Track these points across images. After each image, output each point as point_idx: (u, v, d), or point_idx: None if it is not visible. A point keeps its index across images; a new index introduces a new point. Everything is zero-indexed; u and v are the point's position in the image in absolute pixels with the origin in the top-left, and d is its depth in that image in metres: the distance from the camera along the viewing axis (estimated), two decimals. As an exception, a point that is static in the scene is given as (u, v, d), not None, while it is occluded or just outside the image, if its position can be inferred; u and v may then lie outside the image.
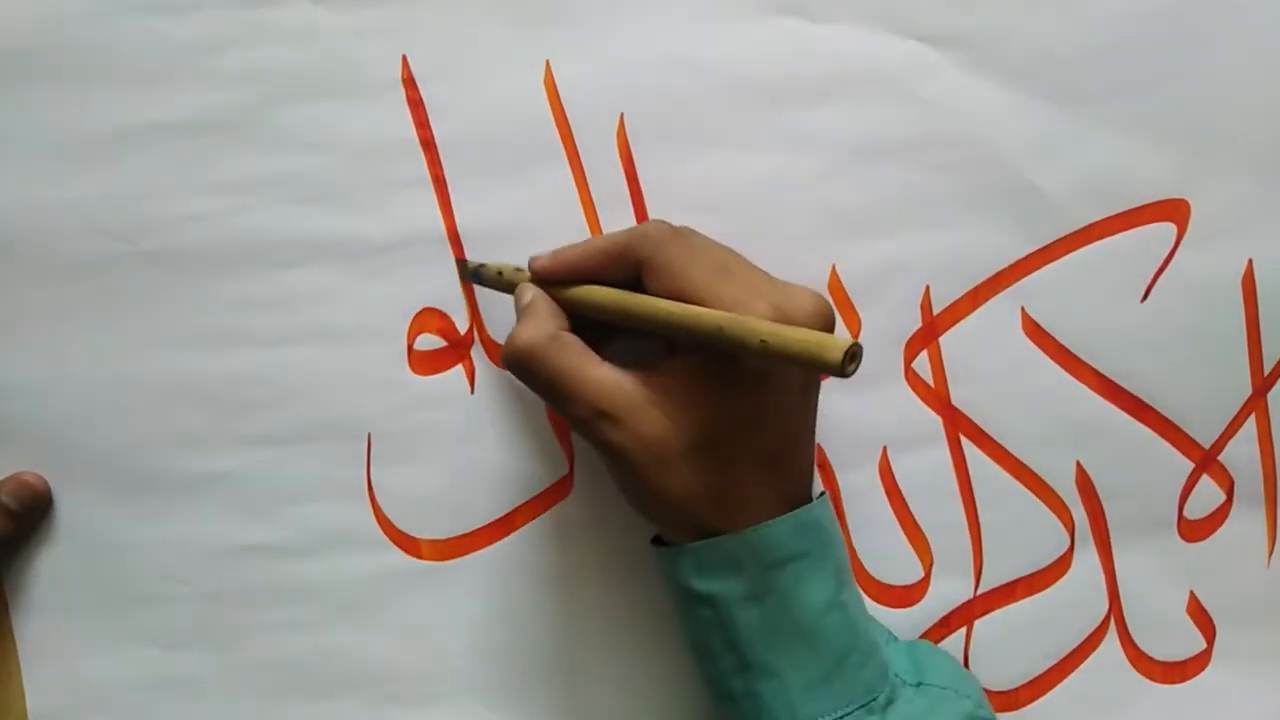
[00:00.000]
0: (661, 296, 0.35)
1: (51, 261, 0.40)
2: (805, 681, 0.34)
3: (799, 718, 0.34)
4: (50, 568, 0.41)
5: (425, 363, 0.41)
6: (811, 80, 0.40)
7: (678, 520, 0.36)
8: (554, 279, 0.37)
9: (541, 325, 0.36)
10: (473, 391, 0.41)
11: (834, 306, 0.36)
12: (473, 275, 0.40)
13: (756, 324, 0.32)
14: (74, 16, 0.39)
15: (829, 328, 0.34)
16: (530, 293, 0.37)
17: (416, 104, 0.40)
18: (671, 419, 0.34)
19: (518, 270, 0.39)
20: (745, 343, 0.32)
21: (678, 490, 0.35)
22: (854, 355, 0.30)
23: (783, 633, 0.35)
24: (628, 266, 0.36)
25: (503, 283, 0.39)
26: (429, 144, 0.40)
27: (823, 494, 0.37)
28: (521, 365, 0.36)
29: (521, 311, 0.37)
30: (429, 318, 0.41)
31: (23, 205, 0.40)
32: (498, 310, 0.41)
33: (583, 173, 0.40)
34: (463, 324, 0.41)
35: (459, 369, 0.41)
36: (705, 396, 0.34)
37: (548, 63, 0.40)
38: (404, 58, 0.40)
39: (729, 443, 0.35)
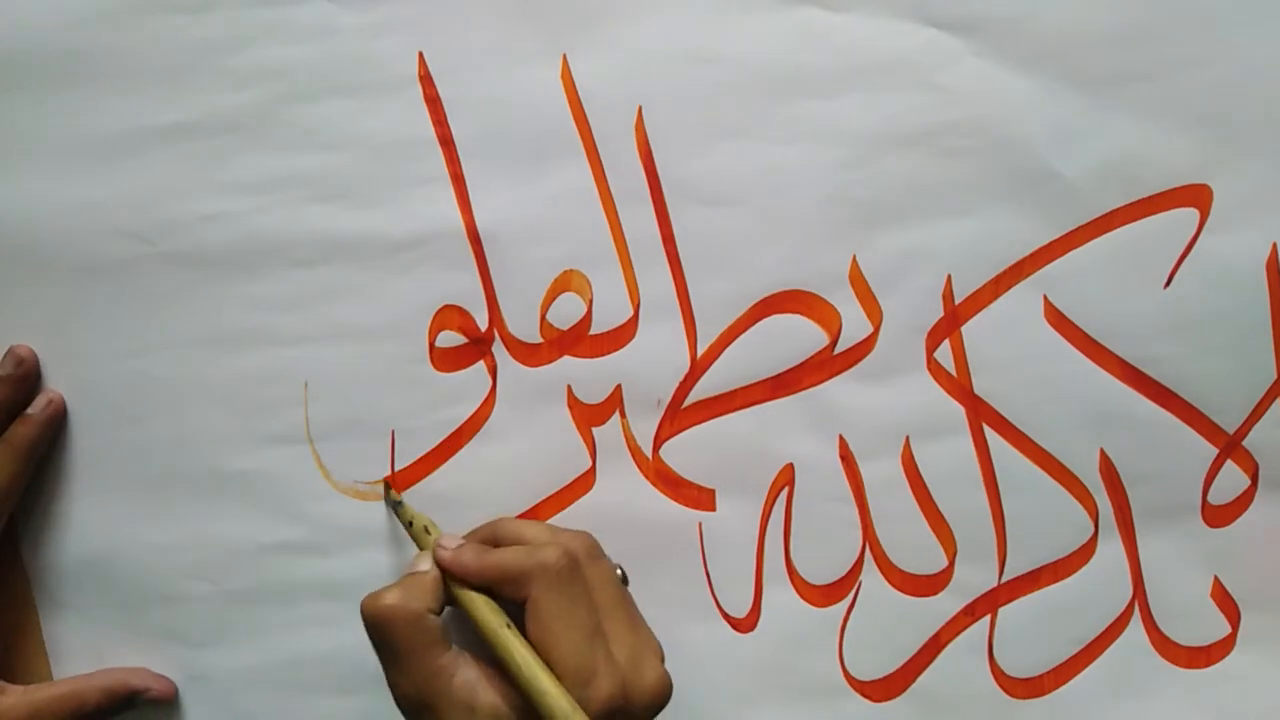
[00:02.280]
0: (530, 631, 0.35)
1: (72, 263, 0.40)
2: None
3: None
4: (77, 567, 0.42)
5: (447, 360, 0.41)
6: (830, 70, 0.40)
7: None
8: (453, 578, 0.37)
9: (412, 598, 0.36)
10: (494, 387, 0.41)
11: (666, 697, 0.37)
12: (390, 505, 0.41)
13: (567, 714, 0.34)
14: (92, 17, 0.39)
15: (662, 703, 0.36)
16: (427, 564, 0.37)
17: (434, 101, 0.40)
18: None
19: (426, 531, 0.39)
20: None
21: None
22: None
23: None
24: (515, 595, 0.36)
25: (409, 531, 0.40)
26: (447, 141, 0.40)
27: None
28: (374, 624, 0.36)
29: (405, 575, 0.37)
30: (450, 315, 0.41)
31: (43, 207, 0.40)
32: (519, 307, 0.41)
33: (601, 167, 0.40)
34: (483, 321, 0.41)
35: (480, 365, 0.41)
36: None
37: (564, 57, 0.40)
38: (420, 55, 0.40)
39: None
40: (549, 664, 0.35)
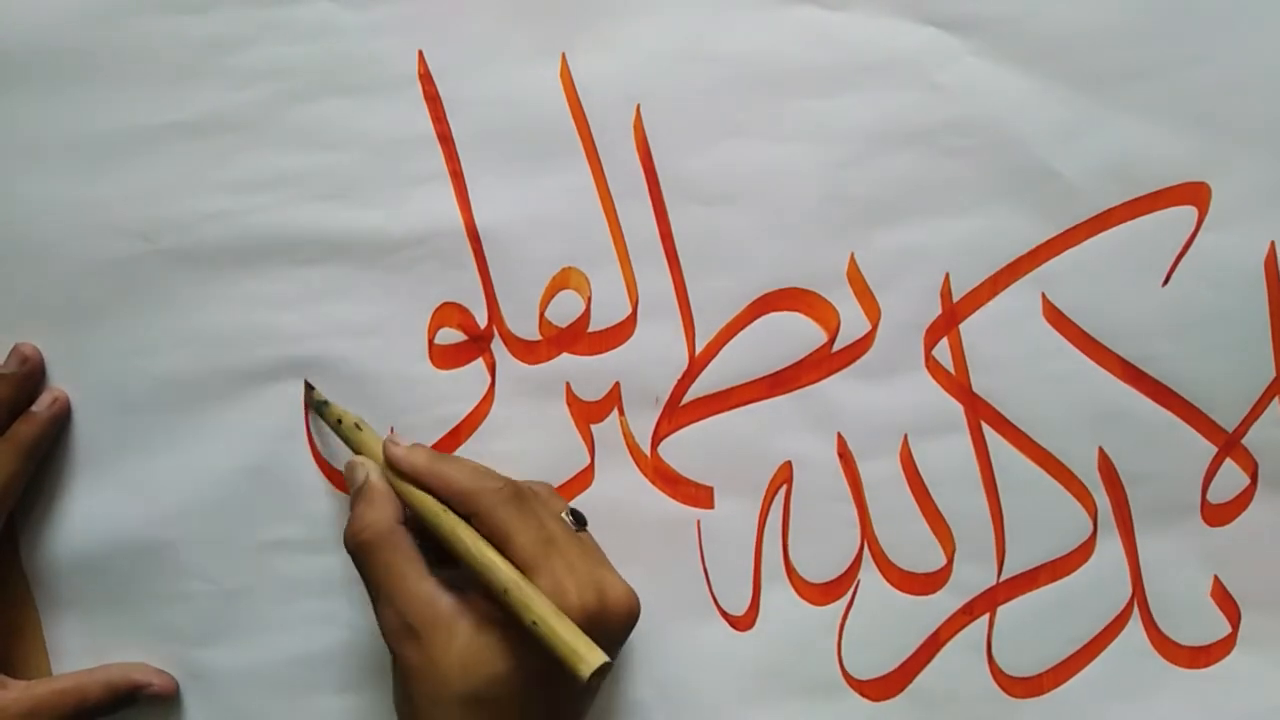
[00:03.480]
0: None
1: (73, 261, 0.40)
2: None
3: None
4: (76, 565, 0.42)
5: (446, 357, 0.41)
6: (828, 69, 0.40)
7: None
8: (398, 473, 0.37)
9: (382, 513, 0.36)
10: (493, 384, 0.41)
11: (637, 610, 0.36)
12: (314, 405, 0.40)
13: (537, 603, 0.33)
14: (92, 16, 0.39)
15: (629, 628, 0.36)
16: (366, 472, 0.37)
17: (434, 99, 0.40)
18: (461, 662, 0.34)
19: (357, 427, 0.39)
20: (520, 615, 0.34)
21: None
22: (601, 674, 0.33)
23: None
24: (462, 505, 0.36)
25: (338, 430, 0.39)
26: (446, 139, 0.40)
27: None
28: (356, 556, 0.36)
29: (358, 492, 0.37)
30: (449, 312, 0.41)
31: (43, 205, 0.40)
32: (518, 304, 0.41)
33: (600, 165, 0.40)
34: (483, 318, 0.41)
35: (479, 363, 0.41)
36: (499, 657, 0.34)
37: (564, 56, 0.40)
38: (420, 53, 0.40)
39: (510, 702, 0.34)
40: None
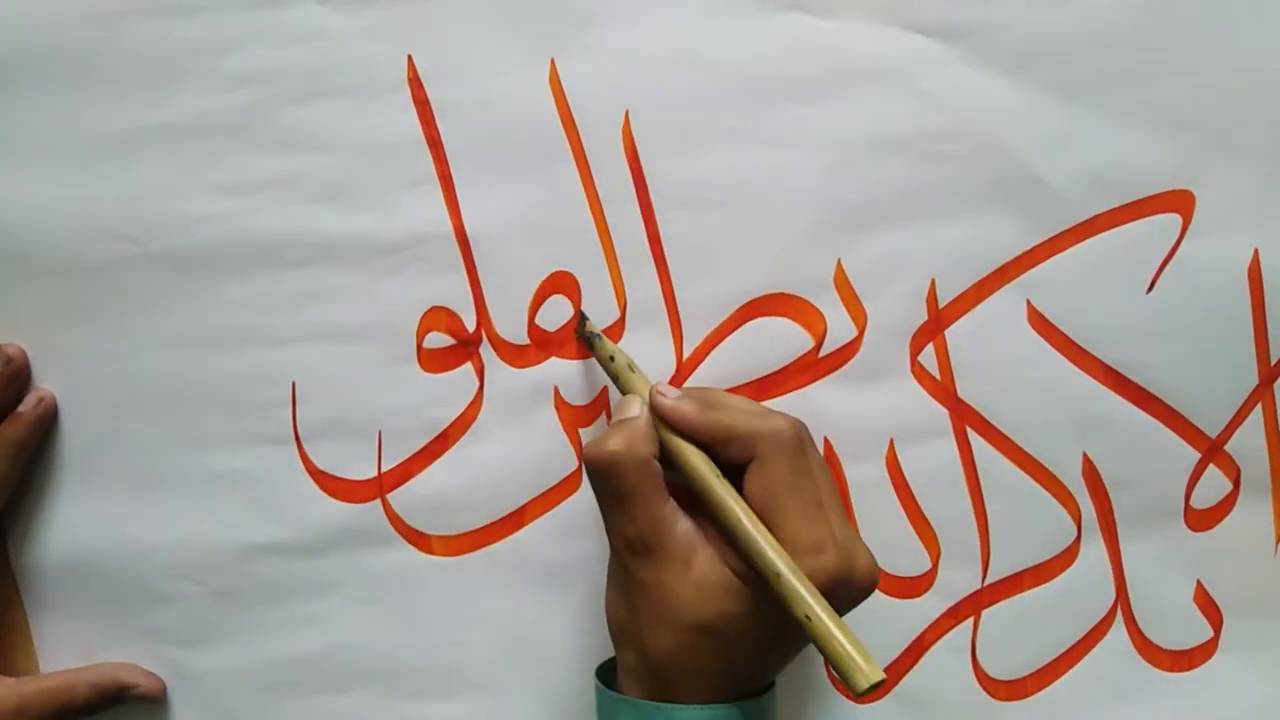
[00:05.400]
0: (751, 493, 0.35)
1: (61, 263, 0.40)
2: None
3: None
4: (64, 567, 0.42)
5: (434, 361, 0.41)
6: (815, 75, 0.40)
7: (644, 671, 0.36)
8: (665, 423, 0.36)
9: (637, 445, 0.36)
10: (482, 388, 0.41)
11: (875, 585, 0.36)
12: (586, 338, 0.40)
13: (807, 597, 0.33)
14: (81, 19, 0.39)
15: (871, 589, 0.36)
16: (637, 409, 0.37)
17: (423, 104, 0.40)
18: (697, 592, 0.35)
19: (629, 368, 0.38)
20: (790, 604, 0.33)
21: (663, 649, 0.35)
22: (874, 688, 0.32)
23: None
24: (737, 454, 0.36)
25: (608, 367, 0.39)
26: (435, 143, 0.40)
27: (772, 687, 0.37)
28: (602, 470, 0.36)
29: (621, 423, 0.37)
30: (438, 316, 0.41)
31: (32, 207, 0.40)
32: (506, 309, 0.41)
33: (589, 170, 0.40)
34: (471, 322, 0.41)
35: (468, 366, 0.41)
36: (734, 597, 0.34)
37: (553, 61, 0.40)
38: (410, 58, 0.40)
39: (732, 644, 0.35)
40: (772, 529, 0.34)
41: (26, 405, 0.40)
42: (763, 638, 0.35)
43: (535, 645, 0.42)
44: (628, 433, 0.36)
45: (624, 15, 0.40)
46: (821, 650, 0.33)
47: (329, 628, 0.42)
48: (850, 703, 0.42)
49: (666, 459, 0.36)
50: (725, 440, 0.36)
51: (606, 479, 0.36)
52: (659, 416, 0.36)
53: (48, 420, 0.41)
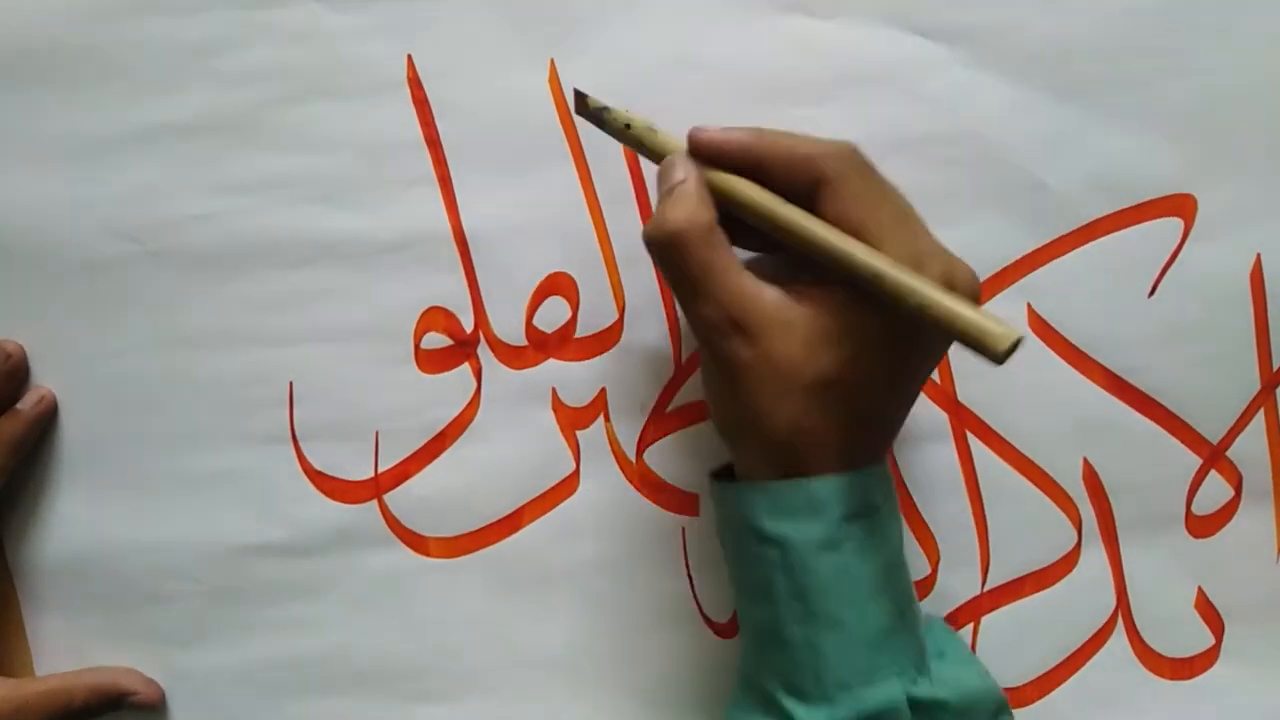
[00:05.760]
0: (828, 221, 0.32)
1: (60, 262, 0.40)
2: (869, 635, 0.33)
3: (858, 669, 0.33)
4: (61, 566, 0.42)
5: (432, 361, 0.41)
6: (816, 78, 0.40)
7: (768, 454, 0.34)
8: (715, 158, 0.33)
9: (698, 212, 0.33)
10: (479, 390, 0.41)
11: (979, 289, 0.34)
12: (592, 116, 0.36)
13: (917, 285, 0.30)
14: (81, 18, 0.39)
15: (976, 300, 0.33)
16: (685, 170, 0.33)
17: (422, 103, 0.40)
18: (806, 349, 0.32)
19: (650, 130, 0.35)
20: (902, 298, 0.31)
21: (784, 423, 0.33)
22: (1015, 347, 0.30)
23: (855, 584, 0.33)
24: (802, 178, 0.33)
25: (628, 136, 0.35)
26: (434, 143, 0.40)
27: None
28: (667, 251, 0.33)
29: (672, 191, 0.33)
30: (435, 316, 0.41)
31: (32, 206, 0.40)
32: (504, 309, 0.41)
33: (588, 171, 0.40)
34: (469, 323, 0.41)
35: (465, 367, 0.41)
36: (846, 337, 0.32)
37: (552, 61, 0.40)
38: (409, 57, 0.40)
39: (854, 390, 0.33)
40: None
41: (26, 403, 0.40)
42: (886, 371, 0.33)
43: (532, 648, 0.42)
44: (684, 200, 0.33)
45: (625, 16, 0.40)
46: (949, 332, 0.30)
47: (325, 629, 0.42)
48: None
49: (723, 210, 0.33)
50: (786, 162, 0.33)
51: (676, 260, 0.33)
52: (708, 154, 0.33)
53: (46, 419, 0.41)
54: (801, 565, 0.33)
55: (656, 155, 0.35)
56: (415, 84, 0.40)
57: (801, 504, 0.33)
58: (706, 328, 0.33)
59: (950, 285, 0.32)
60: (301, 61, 0.40)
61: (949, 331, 0.30)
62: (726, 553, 0.37)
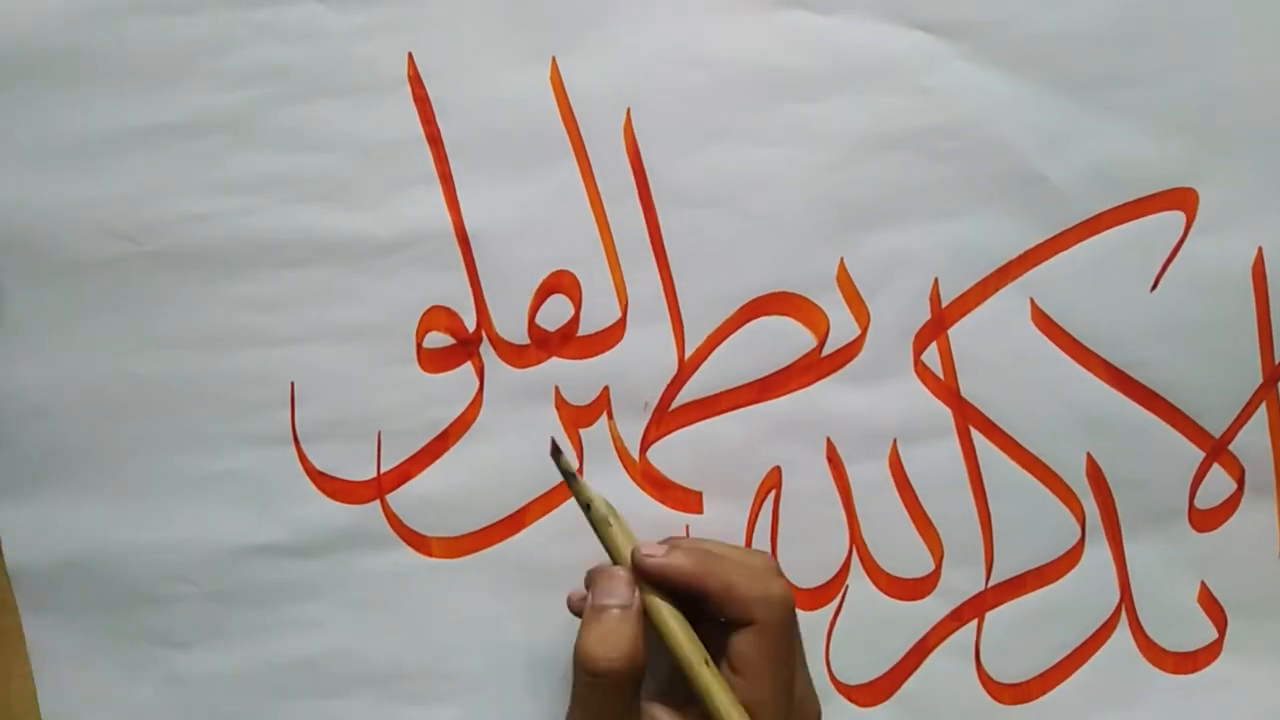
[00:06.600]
0: (743, 652, 0.35)
1: (58, 262, 0.40)
2: None
3: None
4: (59, 568, 0.41)
5: (434, 360, 0.41)
6: (817, 72, 0.40)
7: None
8: (657, 582, 0.35)
9: (633, 655, 0.34)
10: (482, 388, 0.41)
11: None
12: (563, 472, 0.37)
13: None
14: (79, 16, 0.39)
15: None
16: (625, 597, 0.35)
17: (423, 101, 0.40)
18: None
19: (607, 522, 0.36)
20: None
21: None
22: None
23: None
24: (733, 612, 0.35)
25: (586, 514, 0.36)
26: (436, 141, 0.40)
27: None
28: (596, 688, 0.34)
29: (607, 612, 0.35)
30: (437, 315, 0.41)
31: (29, 205, 0.40)
32: (506, 308, 0.41)
33: (590, 168, 0.40)
34: (471, 322, 0.41)
35: (468, 366, 0.41)
36: None
37: (554, 59, 0.40)
38: (410, 55, 0.40)
39: None
40: (750, 705, 0.34)
41: None
42: None
43: (535, 649, 0.42)
44: (622, 639, 0.34)
45: (626, 13, 0.40)
46: None
47: (326, 630, 0.41)
48: (853, 706, 0.42)
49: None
50: (722, 596, 0.35)
51: (600, 697, 0.34)
52: (650, 578, 0.35)
53: None
54: None
55: (605, 545, 0.36)
56: (416, 82, 0.40)
57: None
58: None
59: None
60: (301, 60, 0.39)
61: None
62: None
